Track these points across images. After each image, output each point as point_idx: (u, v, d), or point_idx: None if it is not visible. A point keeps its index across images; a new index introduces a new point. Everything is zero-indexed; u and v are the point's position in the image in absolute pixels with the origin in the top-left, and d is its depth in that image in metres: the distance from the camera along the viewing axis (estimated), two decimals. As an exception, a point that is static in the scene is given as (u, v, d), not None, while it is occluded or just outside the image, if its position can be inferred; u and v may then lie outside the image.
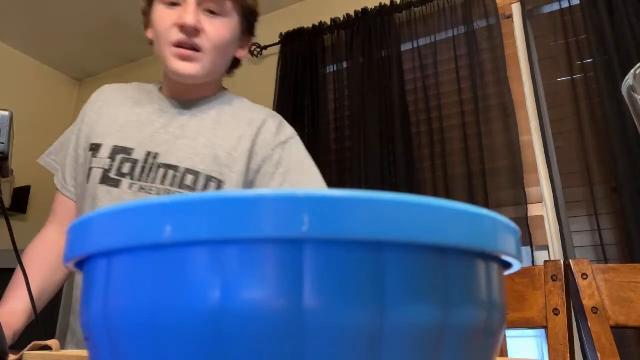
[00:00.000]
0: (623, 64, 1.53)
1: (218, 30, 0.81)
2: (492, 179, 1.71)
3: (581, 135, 1.62)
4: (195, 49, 0.79)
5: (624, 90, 0.34)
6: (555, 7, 1.79)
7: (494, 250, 0.18)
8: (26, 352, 0.43)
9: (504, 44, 1.83)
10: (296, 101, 2.17)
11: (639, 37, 1.54)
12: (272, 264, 0.15)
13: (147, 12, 0.88)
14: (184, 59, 0.79)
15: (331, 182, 1.93)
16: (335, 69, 2.19)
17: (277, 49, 2.38)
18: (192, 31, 0.78)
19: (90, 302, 0.18)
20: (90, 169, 0.83)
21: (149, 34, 0.88)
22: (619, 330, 0.76)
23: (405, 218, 0.15)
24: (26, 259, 0.85)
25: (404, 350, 0.15)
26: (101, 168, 0.82)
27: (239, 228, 0.15)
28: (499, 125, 1.76)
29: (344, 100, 2.11)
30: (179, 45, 0.79)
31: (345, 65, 2.15)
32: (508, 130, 1.73)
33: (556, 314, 0.77)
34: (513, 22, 1.89)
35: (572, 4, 1.74)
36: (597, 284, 0.77)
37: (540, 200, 1.69)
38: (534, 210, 1.67)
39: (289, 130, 0.88)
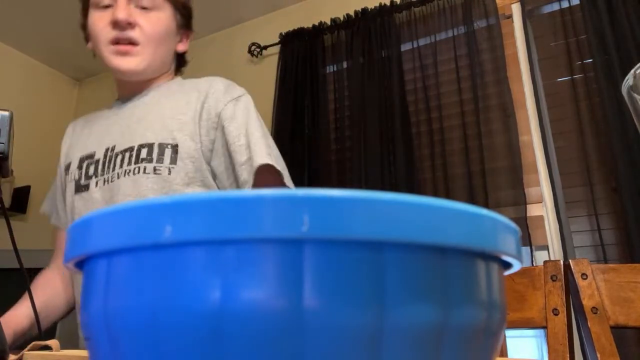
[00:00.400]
0: (623, 64, 1.53)
1: (152, 23, 0.83)
2: (492, 179, 1.71)
3: (581, 135, 1.62)
4: (132, 42, 0.81)
5: (624, 90, 0.34)
6: (555, 7, 1.79)
7: (494, 250, 0.18)
8: (26, 352, 0.43)
9: (503, 44, 1.83)
10: (296, 101, 2.17)
11: (639, 37, 1.54)
12: (272, 264, 0.15)
13: (85, 25, 0.91)
14: (122, 54, 0.81)
15: (331, 182, 1.93)
16: (335, 69, 2.19)
17: (277, 49, 2.38)
18: (126, 25, 0.80)
19: (90, 302, 0.18)
20: (66, 186, 0.89)
21: (89, 46, 0.90)
22: (618, 330, 0.76)
23: (405, 218, 0.15)
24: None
25: (404, 350, 0.15)
26: (73, 180, 0.87)
27: (238, 228, 0.15)
28: (499, 125, 1.76)
29: (344, 100, 2.11)
30: (115, 42, 0.81)
31: (345, 65, 2.14)
32: (508, 130, 1.73)
33: (556, 314, 0.77)
34: (513, 22, 1.89)
35: (572, 4, 1.74)
36: (597, 284, 0.77)
37: (540, 200, 1.69)
38: (533, 210, 1.67)
39: (238, 89, 0.90)
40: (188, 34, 0.97)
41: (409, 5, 2.04)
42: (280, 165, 0.82)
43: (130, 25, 0.80)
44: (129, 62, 0.81)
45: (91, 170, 0.85)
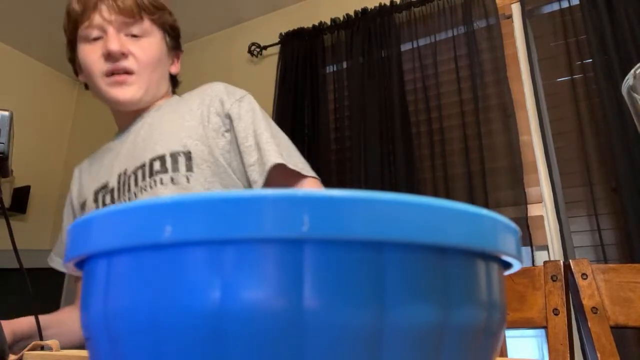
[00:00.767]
0: (623, 64, 1.53)
1: (144, 50, 0.83)
2: (492, 179, 1.71)
3: (581, 135, 1.62)
4: (127, 72, 0.81)
5: (624, 90, 0.34)
6: (555, 7, 1.79)
7: (494, 250, 0.18)
8: (26, 352, 0.43)
9: (503, 44, 1.83)
10: (296, 101, 2.17)
11: (639, 37, 1.54)
12: (272, 264, 0.15)
13: (73, 58, 0.90)
14: (119, 84, 0.81)
15: (331, 182, 1.93)
16: (335, 69, 2.19)
17: (277, 49, 2.38)
18: (119, 56, 0.80)
19: (90, 303, 0.18)
20: None
21: (81, 78, 0.89)
22: (618, 330, 0.76)
23: (405, 218, 0.15)
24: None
25: (404, 350, 0.15)
26: None
27: (238, 228, 0.15)
28: (499, 125, 1.76)
29: (344, 100, 2.11)
30: (110, 73, 0.81)
31: (345, 65, 2.15)
32: (508, 130, 1.73)
33: (556, 314, 0.77)
34: (513, 22, 1.89)
35: (572, 4, 1.74)
36: (597, 284, 0.77)
37: (540, 200, 1.69)
38: (533, 210, 1.67)
39: (239, 91, 0.88)
40: (178, 55, 0.96)
41: (409, 5, 2.04)
42: (294, 161, 0.80)
43: (124, 55, 0.80)
44: (126, 92, 0.81)
45: (107, 199, 0.83)
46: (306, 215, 0.14)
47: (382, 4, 2.09)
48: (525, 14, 1.85)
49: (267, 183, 0.78)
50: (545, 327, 0.77)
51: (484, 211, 0.17)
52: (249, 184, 0.80)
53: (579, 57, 1.69)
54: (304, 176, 0.80)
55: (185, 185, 0.77)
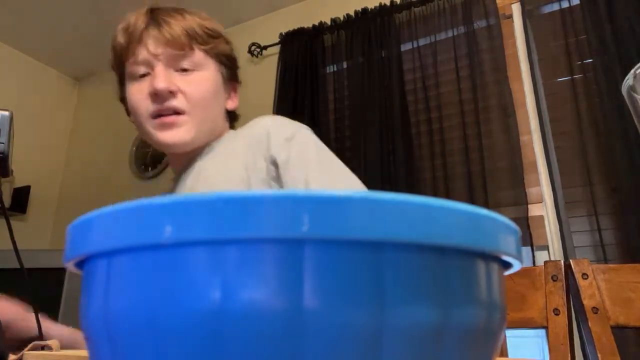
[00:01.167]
0: (623, 64, 1.53)
1: (196, 86, 0.73)
2: (492, 179, 1.71)
3: (581, 135, 1.62)
4: (177, 112, 0.72)
5: (624, 90, 0.34)
6: (555, 7, 1.79)
7: (494, 250, 0.18)
8: (26, 352, 0.43)
9: (503, 44, 1.83)
10: (296, 101, 2.17)
11: (639, 37, 1.54)
12: (272, 264, 0.15)
13: (123, 98, 0.81)
14: (167, 127, 0.72)
15: (331, 182, 1.92)
16: (335, 69, 2.19)
17: (277, 49, 2.38)
18: (167, 95, 0.71)
19: (90, 303, 0.18)
20: None
21: (131, 119, 0.80)
22: (619, 330, 0.76)
23: (405, 218, 0.15)
24: None
25: (404, 350, 0.15)
26: None
27: (239, 228, 0.15)
28: (499, 125, 1.76)
29: (344, 100, 2.11)
30: (157, 115, 0.72)
31: (345, 65, 2.15)
32: (508, 130, 1.73)
33: (556, 314, 0.77)
34: (513, 22, 1.89)
35: (572, 4, 1.74)
36: (597, 284, 0.77)
37: (540, 200, 1.69)
38: (534, 210, 1.67)
39: (290, 126, 0.76)
40: (235, 87, 0.84)
41: (409, 5, 2.04)
42: None
43: (172, 93, 0.71)
44: (175, 135, 0.72)
45: None
46: (306, 215, 0.14)
47: (382, 4, 2.09)
48: (525, 14, 1.85)
49: None
50: (545, 327, 0.77)
51: (484, 211, 0.17)
52: None
53: (579, 57, 1.69)
54: None
55: None
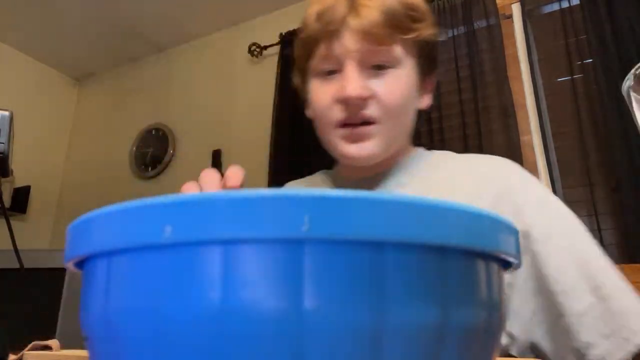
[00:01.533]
0: (623, 64, 1.53)
1: (390, 89, 0.60)
2: (492, 179, 1.71)
3: (581, 135, 1.62)
4: (366, 121, 0.61)
5: (624, 90, 0.34)
6: (555, 7, 1.79)
7: (494, 250, 0.18)
8: (26, 352, 0.43)
9: (503, 44, 1.82)
10: (296, 101, 2.17)
11: (639, 37, 1.54)
12: (272, 264, 0.15)
13: (301, 89, 0.73)
14: (355, 139, 0.61)
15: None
16: (335, 69, 2.19)
17: (277, 49, 2.38)
18: (359, 102, 0.59)
19: (90, 302, 0.18)
20: None
21: (308, 114, 0.72)
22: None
23: (405, 218, 0.15)
24: None
25: (404, 350, 0.15)
26: None
27: (239, 228, 0.15)
28: (499, 125, 1.76)
29: (344, 100, 2.11)
30: (344, 124, 0.61)
31: (345, 65, 2.14)
32: (508, 130, 1.73)
33: (556, 314, 0.77)
34: (513, 22, 1.89)
35: (572, 4, 1.74)
36: (597, 284, 0.77)
37: (540, 200, 1.69)
38: (534, 210, 1.67)
39: (540, 184, 0.63)
40: (433, 81, 0.70)
41: (409, 5, 2.04)
42: None
43: (364, 100, 0.59)
44: (363, 149, 0.61)
45: None
46: (306, 215, 0.14)
47: (382, 4, 2.09)
48: (525, 14, 1.85)
49: None
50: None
51: (484, 211, 0.17)
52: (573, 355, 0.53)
53: (579, 57, 1.69)
54: None
55: None
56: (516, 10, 1.89)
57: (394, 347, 0.15)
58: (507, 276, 0.51)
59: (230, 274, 0.15)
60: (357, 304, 0.15)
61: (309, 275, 0.14)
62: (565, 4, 1.75)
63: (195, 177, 0.73)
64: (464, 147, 1.77)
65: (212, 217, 0.15)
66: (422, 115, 1.96)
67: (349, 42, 0.60)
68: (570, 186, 1.63)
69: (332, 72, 0.62)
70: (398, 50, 0.61)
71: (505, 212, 0.57)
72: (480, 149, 1.74)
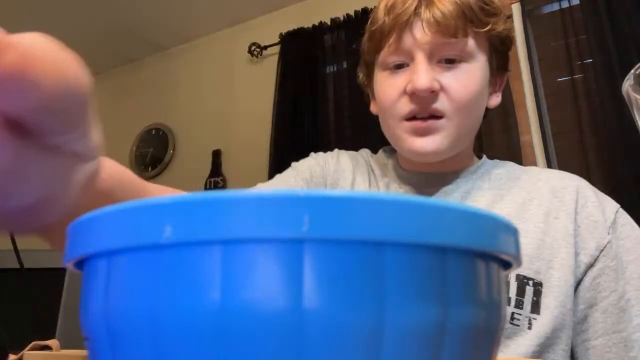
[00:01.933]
0: (623, 64, 1.53)
1: (461, 83, 0.59)
2: (492, 179, 1.71)
3: (581, 135, 1.62)
4: (434, 115, 0.59)
5: (624, 90, 0.34)
6: (555, 7, 1.79)
7: (494, 250, 0.18)
8: (26, 352, 0.43)
9: (504, 44, 1.82)
10: (296, 101, 2.17)
11: (639, 37, 1.54)
12: (272, 264, 0.15)
13: (366, 85, 0.72)
14: (422, 133, 0.59)
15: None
16: (335, 69, 2.19)
17: (277, 49, 2.38)
18: (428, 95, 0.58)
19: (90, 303, 0.18)
20: None
21: (373, 109, 0.72)
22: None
23: (405, 218, 0.15)
24: None
25: (404, 350, 0.15)
26: None
27: (238, 228, 0.15)
28: (499, 125, 1.76)
29: (344, 100, 2.11)
30: (412, 117, 0.60)
31: (345, 65, 2.15)
32: (508, 130, 1.73)
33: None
34: (513, 22, 1.89)
35: (572, 4, 1.74)
36: (597, 284, 0.77)
37: (540, 200, 1.69)
38: (534, 210, 1.67)
39: (611, 205, 0.61)
40: (502, 79, 0.68)
41: (409, 5, 2.04)
42: None
43: (434, 93, 0.58)
44: (428, 143, 0.59)
45: None
46: (306, 215, 0.14)
47: (382, 4, 2.09)
48: (525, 14, 1.85)
49: None
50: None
51: (484, 211, 0.17)
52: None
53: (579, 57, 1.69)
54: None
55: (522, 334, 0.53)
56: (516, 10, 1.89)
57: (394, 347, 0.15)
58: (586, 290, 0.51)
59: (230, 274, 0.15)
60: (357, 304, 0.15)
61: (308, 275, 0.15)
62: (565, 4, 1.75)
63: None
64: (464, 147, 1.78)
65: (212, 217, 0.15)
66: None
67: (420, 34, 0.58)
68: (570, 186, 1.63)
69: (400, 66, 0.61)
70: (470, 43, 0.59)
71: (582, 224, 0.58)
72: (480, 149, 1.74)
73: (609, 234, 0.57)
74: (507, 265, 0.20)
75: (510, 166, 0.70)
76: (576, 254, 0.56)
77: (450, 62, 0.59)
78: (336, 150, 0.79)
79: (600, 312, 0.54)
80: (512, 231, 0.19)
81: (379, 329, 0.15)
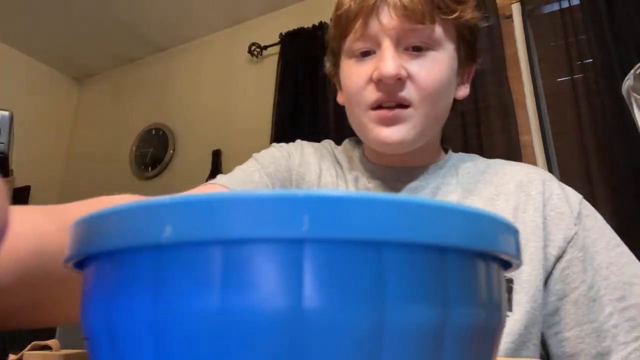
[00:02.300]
0: (623, 64, 1.53)
1: (429, 71, 0.57)
2: (492, 179, 1.71)
3: (581, 135, 1.62)
4: (401, 104, 0.58)
5: (624, 90, 0.34)
6: (555, 7, 1.79)
7: (493, 250, 0.18)
8: (26, 352, 0.43)
9: (504, 44, 1.83)
10: (296, 101, 2.17)
11: (639, 37, 1.54)
12: (272, 264, 0.15)
13: (332, 74, 0.70)
14: (388, 122, 0.58)
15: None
16: (335, 69, 2.19)
17: (277, 49, 2.38)
18: (394, 82, 0.56)
19: (90, 303, 0.18)
20: None
21: (340, 99, 0.69)
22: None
23: (405, 218, 0.15)
24: None
25: (404, 350, 0.15)
26: None
27: (239, 228, 0.15)
28: (499, 125, 1.76)
29: (344, 100, 2.11)
30: (378, 106, 0.58)
31: (345, 65, 2.14)
32: (508, 130, 1.73)
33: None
34: (513, 22, 1.89)
35: (572, 4, 1.74)
36: (597, 284, 0.77)
37: (540, 200, 1.69)
38: (534, 210, 1.67)
39: (575, 194, 0.62)
40: (472, 70, 0.67)
41: (409, 5, 2.04)
42: None
43: (400, 80, 0.56)
44: (395, 133, 0.58)
45: None
46: (306, 215, 0.14)
47: (382, 4, 2.09)
48: (525, 14, 1.85)
49: None
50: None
51: (484, 211, 0.17)
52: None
53: (579, 57, 1.69)
54: None
55: None
56: (516, 10, 1.89)
57: (393, 347, 0.15)
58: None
59: (230, 274, 0.15)
60: (357, 304, 0.15)
61: (308, 275, 0.15)
62: (565, 4, 1.75)
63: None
64: (464, 147, 1.78)
65: (212, 217, 0.15)
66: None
67: (386, 19, 0.56)
68: (570, 186, 1.63)
69: (366, 53, 0.59)
70: (438, 31, 0.58)
71: (548, 217, 0.58)
72: (481, 149, 1.74)
73: (575, 225, 0.57)
74: (507, 265, 0.20)
75: (476, 159, 0.69)
76: (545, 247, 0.56)
77: (418, 49, 0.58)
78: (298, 141, 0.76)
79: (570, 304, 0.54)
80: (512, 231, 0.19)
81: (378, 329, 0.15)
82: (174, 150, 2.65)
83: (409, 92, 0.57)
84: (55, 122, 3.00)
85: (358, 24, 0.58)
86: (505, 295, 0.20)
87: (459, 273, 0.17)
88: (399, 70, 0.55)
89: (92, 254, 0.17)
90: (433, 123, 0.61)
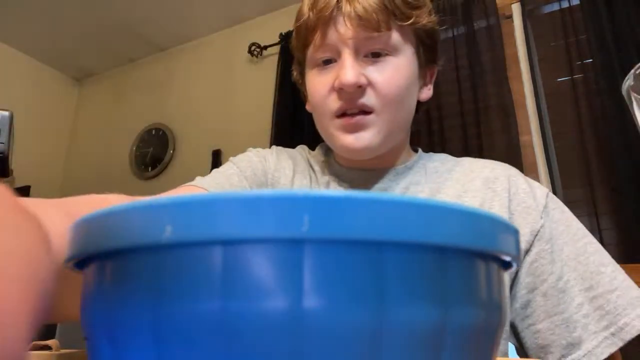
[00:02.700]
0: (623, 64, 1.53)
1: (388, 77, 0.59)
2: (492, 179, 1.71)
3: (581, 135, 1.62)
4: (364, 110, 0.59)
5: (624, 90, 0.34)
6: (555, 7, 1.79)
7: (493, 250, 0.18)
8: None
9: (503, 44, 1.83)
10: (296, 101, 2.17)
11: (639, 37, 1.54)
12: (272, 264, 0.15)
13: (300, 83, 0.73)
14: (352, 129, 0.59)
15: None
16: (335, 69, 2.19)
17: (277, 49, 2.38)
18: (355, 90, 0.58)
19: (90, 303, 0.18)
20: None
21: (308, 108, 0.71)
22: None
23: (405, 218, 0.15)
24: None
25: (404, 350, 0.15)
26: None
27: (239, 228, 0.15)
28: (499, 125, 1.76)
29: (344, 100, 2.11)
30: (342, 113, 0.60)
31: (345, 65, 2.14)
32: (508, 130, 1.73)
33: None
34: (513, 22, 1.89)
35: (572, 4, 1.74)
36: (597, 284, 0.77)
37: (540, 200, 1.68)
38: (534, 210, 1.67)
39: (541, 189, 0.62)
40: (433, 72, 0.69)
41: (409, 5, 2.04)
42: None
43: (361, 88, 0.58)
44: (359, 139, 0.59)
45: None
46: (306, 215, 0.14)
47: (382, 4, 2.09)
48: (525, 14, 1.85)
49: None
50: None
51: (484, 211, 0.17)
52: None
53: (579, 57, 1.69)
54: None
55: None
56: (516, 10, 1.89)
57: (393, 347, 0.15)
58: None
59: (230, 274, 0.15)
60: (357, 303, 0.15)
61: (308, 275, 0.15)
62: (565, 4, 1.75)
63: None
64: (464, 147, 1.78)
65: (212, 217, 0.15)
66: (422, 115, 1.96)
67: (343, 29, 0.58)
68: (570, 186, 1.63)
69: (328, 62, 0.61)
70: (395, 37, 0.59)
71: (515, 212, 0.59)
72: (480, 149, 1.74)
73: (541, 218, 0.57)
74: (507, 265, 0.20)
75: (444, 158, 0.70)
76: None
77: (377, 55, 0.59)
78: (274, 147, 0.78)
79: (540, 296, 0.55)
80: (511, 231, 0.19)
81: (379, 329, 0.15)
82: (174, 150, 2.65)
83: (369, 99, 0.58)
84: (55, 122, 3.00)
85: (317, 35, 0.60)
86: (505, 295, 0.20)
87: (459, 273, 0.17)
88: (359, 78, 0.57)
89: (92, 254, 0.17)
90: (397, 127, 0.62)
